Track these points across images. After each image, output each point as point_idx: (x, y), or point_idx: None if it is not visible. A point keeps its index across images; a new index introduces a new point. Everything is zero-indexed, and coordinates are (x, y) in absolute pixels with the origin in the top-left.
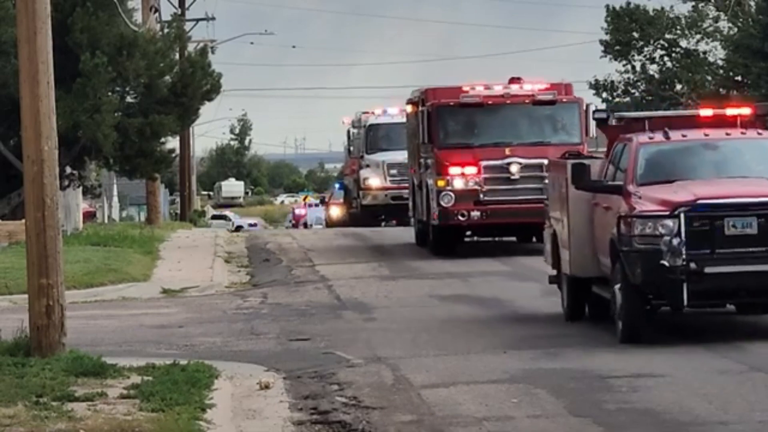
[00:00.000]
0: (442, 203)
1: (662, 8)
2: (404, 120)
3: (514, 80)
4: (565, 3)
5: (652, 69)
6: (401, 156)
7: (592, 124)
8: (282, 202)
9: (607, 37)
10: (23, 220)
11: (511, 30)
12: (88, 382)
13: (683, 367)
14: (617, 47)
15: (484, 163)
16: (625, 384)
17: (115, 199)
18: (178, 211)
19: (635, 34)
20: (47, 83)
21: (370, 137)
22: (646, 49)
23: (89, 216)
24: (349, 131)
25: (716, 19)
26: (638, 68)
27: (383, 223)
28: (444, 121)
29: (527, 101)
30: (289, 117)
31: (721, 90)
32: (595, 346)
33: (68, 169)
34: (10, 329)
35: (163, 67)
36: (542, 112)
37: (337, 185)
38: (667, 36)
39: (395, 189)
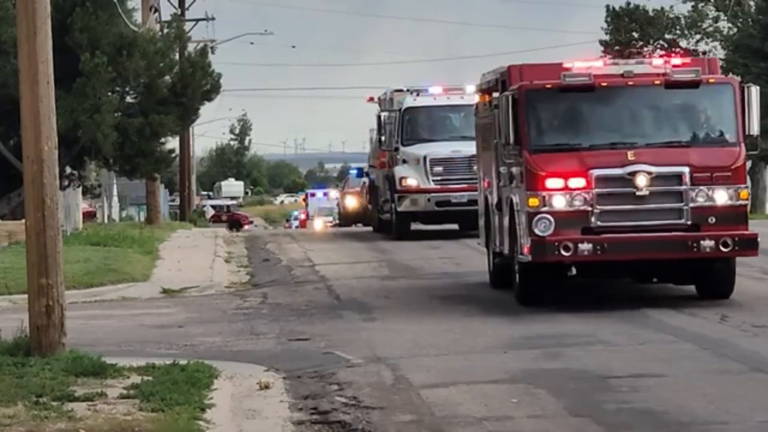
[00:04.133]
0: (536, 231)
1: (662, 8)
2: (450, 102)
3: (632, 53)
4: (565, 3)
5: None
6: (449, 149)
7: (755, 115)
8: (282, 202)
9: (606, 37)
10: (23, 220)
11: (510, 30)
12: (88, 382)
13: (683, 367)
14: (617, 47)
15: (596, 172)
16: (625, 384)
17: (115, 199)
18: (178, 211)
19: (635, 34)
20: (47, 83)
21: (407, 124)
22: (645, 49)
23: (89, 216)
24: (379, 116)
25: (716, 19)
26: None
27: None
28: (538, 112)
29: (658, 82)
30: (289, 117)
31: None
32: (595, 346)
33: (68, 169)
34: (10, 329)
35: (163, 67)
36: (680, 99)
37: (354, 171)
38: (667, 36)
39: (441, 192)
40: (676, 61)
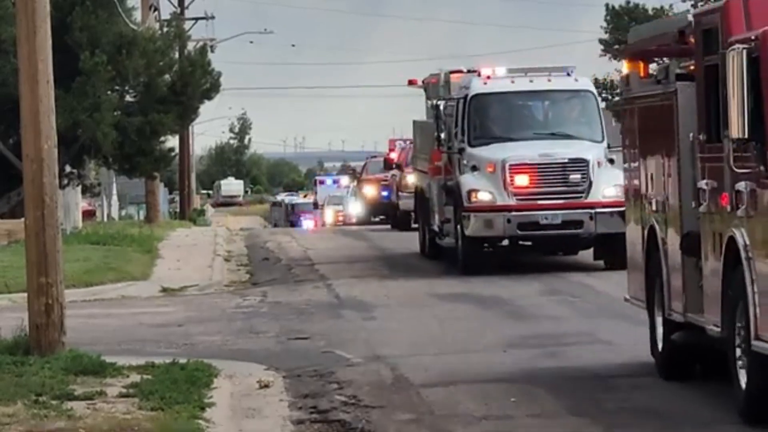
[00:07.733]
0: None
1: (662, 7)
2: (534, 86)
3: None
4: (564, 2)
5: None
6: (535, 151)
7: None
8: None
9: (606, 36)
10: (22, 219)
11: (511, 29)
12: (87, 380)
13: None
14: (617, 46)
15: None
16: (625, 384)
17: (115, 197)
18: (178, 210)
19: None
20: (47, 82)
21: (475, 117)
22: None
23: (88, 215)
24: (437, 105)
25: None
26: None
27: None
28: None
29: None
30: (289, 116)
31: None
32: (594, 346)
33: (68, 168)
34: (9, 328)
35: (162, 65)
36: None
37: (375, 158)
38: None
39: (525, 210)
40: None
